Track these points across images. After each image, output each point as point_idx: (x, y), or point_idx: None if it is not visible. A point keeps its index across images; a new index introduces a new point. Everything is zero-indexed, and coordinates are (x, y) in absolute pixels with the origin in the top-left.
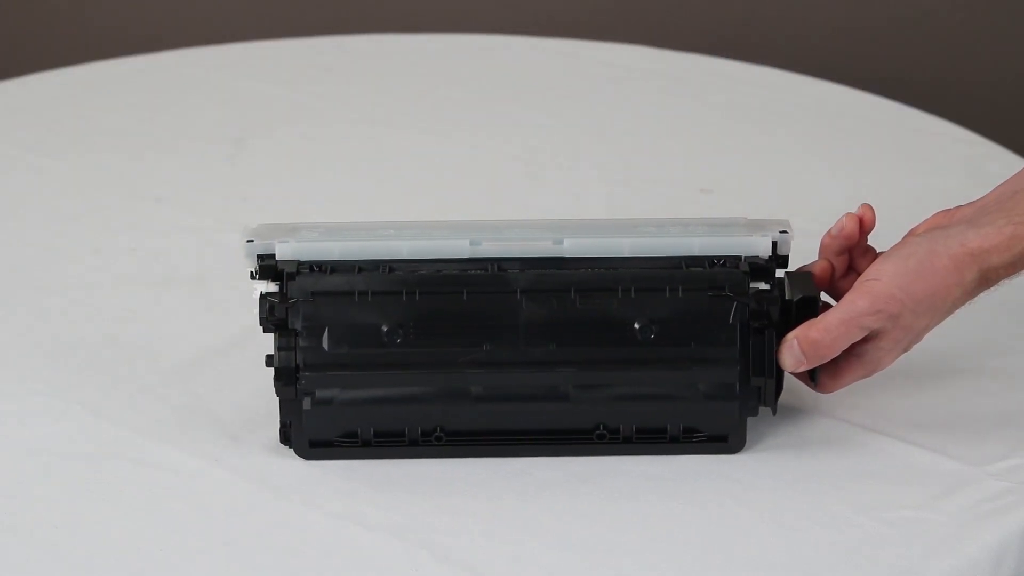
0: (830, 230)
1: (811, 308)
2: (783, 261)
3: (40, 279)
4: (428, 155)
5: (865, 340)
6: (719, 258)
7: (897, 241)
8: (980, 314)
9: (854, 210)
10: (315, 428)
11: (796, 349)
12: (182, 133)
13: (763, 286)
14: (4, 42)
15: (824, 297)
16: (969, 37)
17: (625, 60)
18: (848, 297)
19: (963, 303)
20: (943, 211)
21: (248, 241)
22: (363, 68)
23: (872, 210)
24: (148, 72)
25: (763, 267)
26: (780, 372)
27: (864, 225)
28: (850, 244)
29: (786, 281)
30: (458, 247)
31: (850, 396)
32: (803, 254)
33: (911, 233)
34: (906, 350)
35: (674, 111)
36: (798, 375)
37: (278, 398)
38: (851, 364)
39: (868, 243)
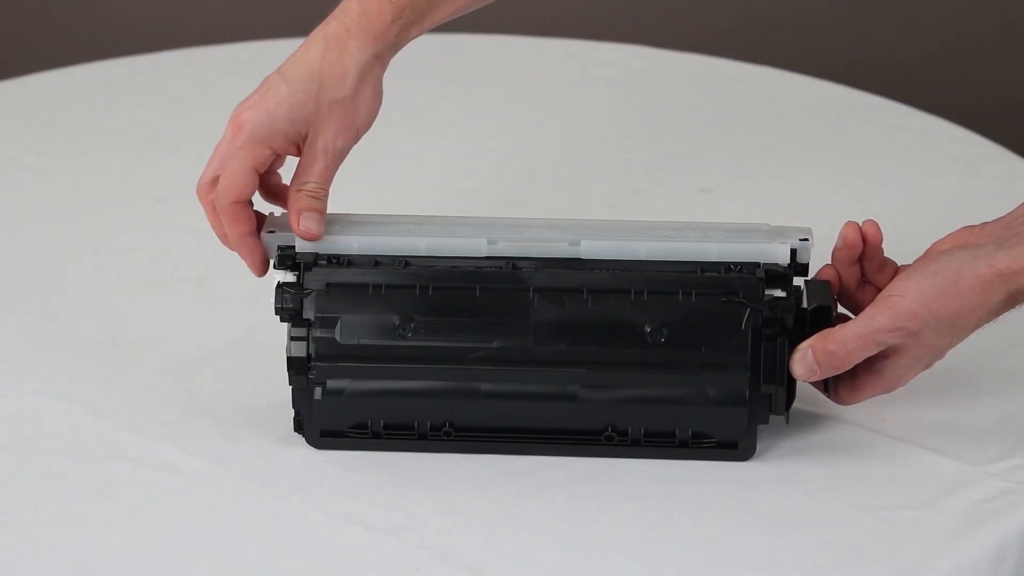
0: (836, 242)
1: (825, 317)
2: (802, 269)
3: (40, 279)
4: (428, 155)
5: (884, 356)
6: (736, 264)
7: (898, 236)
8: None
9: (853, 212)
10: (326, 418)
11: (810, 359)
12: (182, 133)
13: (780, 293)
14: (4, 42)
15: (841, 309)
16: (969, 37)
17: (625, 60)
18: (868, 311)
19: (987, 322)
20: (967, 227)
21: (269, 231)
22: None
23: (876, 226)
24: (148, 72)
25: (780, 274)
26: (792, 380)
27: (868, 239)
28: (855, 253)
29: (804, 289)
30: (476, 246)
31: None
32: None
33: (934, 249)
34: (927, 367)
35: (674, 111)
36: (812, 382)
37: (291, 387)
38: (871, 379)
39: (886, 256)
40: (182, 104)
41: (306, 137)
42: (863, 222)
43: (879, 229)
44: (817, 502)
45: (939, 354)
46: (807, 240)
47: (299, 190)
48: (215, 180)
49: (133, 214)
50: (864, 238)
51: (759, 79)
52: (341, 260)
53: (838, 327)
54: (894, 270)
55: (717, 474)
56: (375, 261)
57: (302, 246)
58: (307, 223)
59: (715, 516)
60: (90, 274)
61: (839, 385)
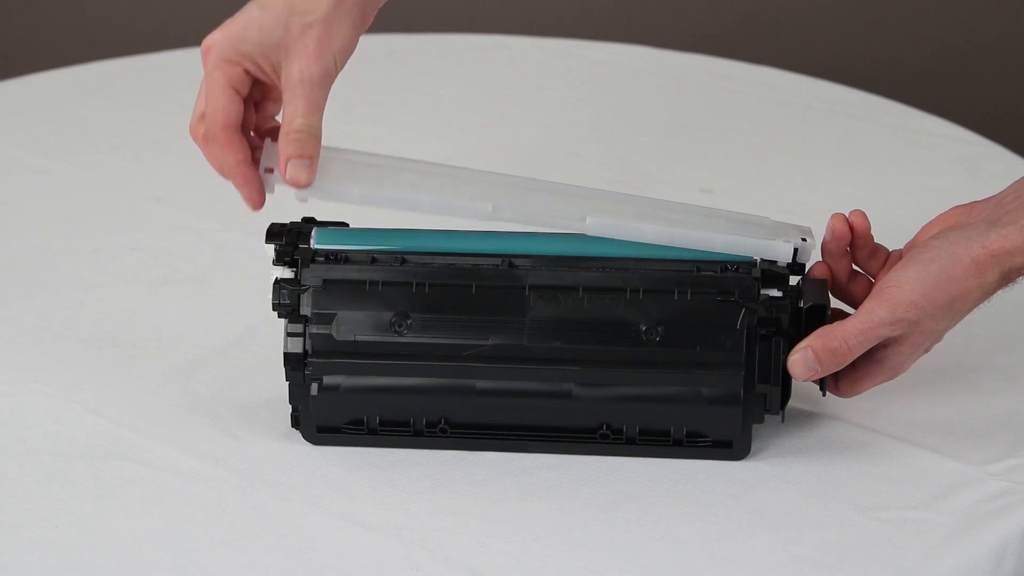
0: (824, 235)
1: (820, 316)
2: (799, 268)
3: (40, 279)
4: (428, 155)
5: (885, 345)
6: (732, 263)
7: (898, 236)
8: (980, 314)
9: (854, 209)
10: (322, 414)
11: (811, 358)
12: (182, 133)
13: (776, 293)
14: (4, 42)
15: (835, 302)
16: (969, 38)
17: (625, 60)
18: (867, 305)
19: (982, 302)
20: (957, 207)
21: (267, 170)
22: (363, 68)
23: (863, 216)
24: (148, 72)
25: (776, 274)
26: (787, 379)
27: (855, 229)
28: (844, 245)
29: (801, 288)
30: (479, 209)
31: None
32: None
33: (925, 232)
34: (926, 351)
35: (674, 111)
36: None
37: (288, 383)
38: (872, 370)
39: (877, 243)
40: (182, 104)
41: (280, 67)
42: (849, 212)
43: (866, 218)
44: (817, 502)
45: (938, 338)
46: (807, 240)
47: (287, 133)
48: (203, 115)
49: (133, 214)
50: (852, 228)
51: (759, 79)
52: (339, 256)
53: (837, 324)
54: (886, 256)
55: (717, 474)
56: (372, 258)
57: (301, 194)
58: (294, 172)
59: (715, 516)
60: (90, 274)
61: (839, 378)
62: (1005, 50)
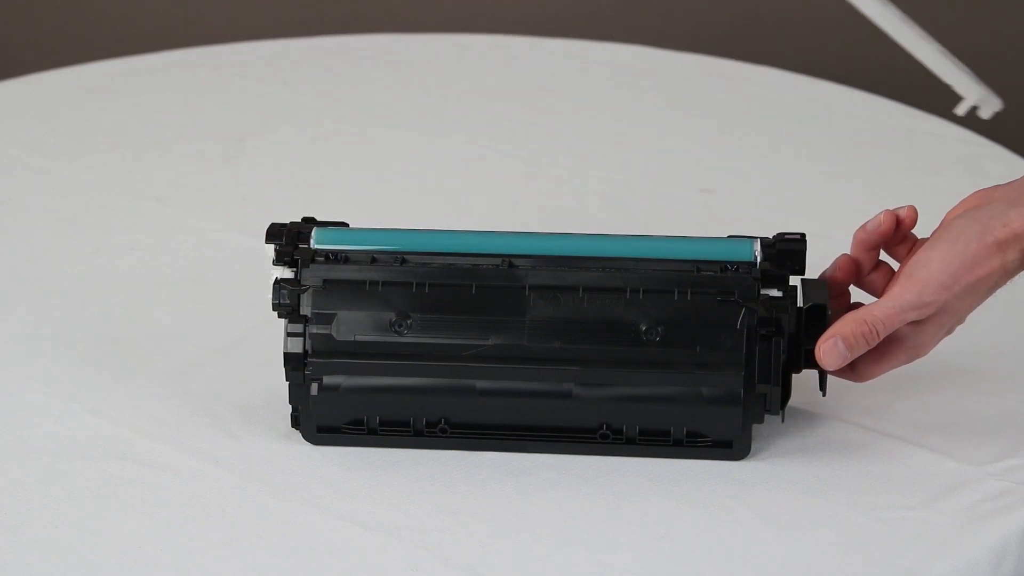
0: (865, 225)
1: (820, 316)
2: (799, 268)
3: (40, 279)
4: (428, 155)
5: (909, 325)
6: (733, 263)
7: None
8: (980, 314)
9: (853, 211)
10: (322, 414)
11: (842, 347)
12: (182, 133)
13: (776, 292)
14: (4, 42)
15: (859, 295)
16: (969, 38)
17: (625, 60)
18: (895, 289)
19: (1003, 283)
20: (980, 191)
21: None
22: (363, 68)
23: (916, 212)
24: (148, 72)
25: (776, 274)
26: (788, 380)
27: (904, 223)
28: (883, 241)
29: (799, 289)
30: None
31: (851, 397)
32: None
33: (949, 216)
34: (949, 332)
35: (674, 111)
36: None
37: (288, 383)
38: (892, 350)
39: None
40: (182, 104)
41: None
42: (905, 208)
43: (916, 213)
44: (817, 502)
45: (960, 320)
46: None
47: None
48: None
49: (133, 214)
50: (900, 222)
51: (760, 79)
52: (339, 256)
53: (864, 308)
54: (914, 242)
55: (717, 474)
56: (372, 258)
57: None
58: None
59: (715, 516)
60: (90, 274)
61: (856, 362)
62: (1005, 50)
